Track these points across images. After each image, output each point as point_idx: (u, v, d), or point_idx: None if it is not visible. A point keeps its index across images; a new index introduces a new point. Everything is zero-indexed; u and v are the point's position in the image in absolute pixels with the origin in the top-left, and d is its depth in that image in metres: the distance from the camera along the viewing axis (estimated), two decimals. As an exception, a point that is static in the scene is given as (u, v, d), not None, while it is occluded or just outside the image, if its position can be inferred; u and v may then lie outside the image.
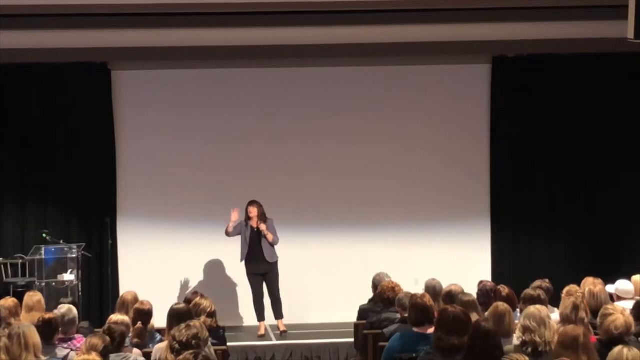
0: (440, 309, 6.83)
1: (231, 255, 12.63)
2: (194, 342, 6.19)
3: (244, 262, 11.79)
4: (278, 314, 11.85)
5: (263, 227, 11.61)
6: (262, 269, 11.73)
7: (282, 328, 11.82)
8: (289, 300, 12.14)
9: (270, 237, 11.64)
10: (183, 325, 6.34)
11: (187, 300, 8.28)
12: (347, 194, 12.80)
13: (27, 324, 6.92)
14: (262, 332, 11.85)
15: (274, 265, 11.77)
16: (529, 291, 8.08)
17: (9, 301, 8.57)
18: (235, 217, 11.72)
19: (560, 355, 5.90)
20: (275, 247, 11.76)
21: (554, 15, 12.12)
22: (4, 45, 11.48)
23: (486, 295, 8.63)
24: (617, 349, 5.63)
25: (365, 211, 12.79)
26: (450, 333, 6.10)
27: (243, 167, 12.81)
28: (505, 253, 12.93)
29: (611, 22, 11.30)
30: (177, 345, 6.18)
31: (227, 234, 11.77)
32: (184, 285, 12.53)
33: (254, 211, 11.65)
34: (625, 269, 10.23)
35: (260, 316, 11.88)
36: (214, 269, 12.66)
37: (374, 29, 12.22)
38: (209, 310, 7.94)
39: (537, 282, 8.67)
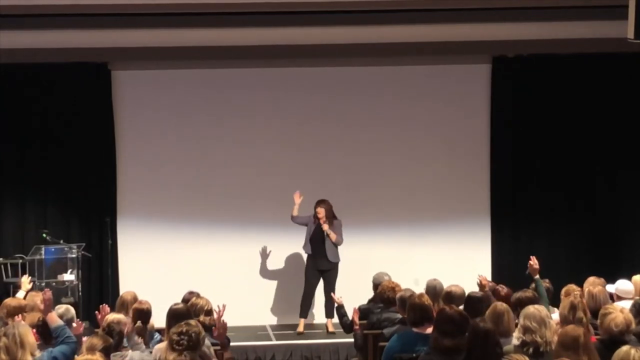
0: (438, 309, 6.83)
1: (231, 255, 12.65)
2: (191, 341, 6.19)
3: (306, 256, 12.04)
4: (329, 313, 11.85)
5: (326, 227, 11.78)
6: (323, 266, 11.89)
7: (331, 328, 11.82)
8: (289, 301, 12.15)
9: (333, 237, 11.81)
10: (180, 325, 6.35)
11: (185, 300, 8.28)
12: (347, 194, 12.78)
13: (21, 324, 6.93)
14: (301, 329, 11.88)
15: (335, 265, 11.93)
16: (518, 295, 8.04)
17: (14, 301, 8.53)
18: (297, 199, 11.92)
19: (561, 356, 5.90)
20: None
21: (554, 15, 12.12)
22: (4, 45, 11.48)
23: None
24: (624, 348, 5.62)
25: (365, 211, 12.78)
26: (445, 334, 6.10)
27: (243, 167, 12.81)
28: (505, 253, 12.93)
29: (611, 22, 11.30)
30: (175, 345, 6.19)
31: (292, 218, 11.98)
32: (184, 285, 12.49)
33: (321, 212, 11.82)
34: (625, 269, 10.22)
35: (304, 312, 11.97)
36: (214, 268, 12.64)
37: (374, 29, 12.23)
38: (206, 308, 7.93)
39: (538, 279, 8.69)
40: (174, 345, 6.21)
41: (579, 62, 12.87)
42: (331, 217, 11.90)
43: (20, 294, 8.93)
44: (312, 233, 11.89)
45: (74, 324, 7.66)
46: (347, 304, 9.63)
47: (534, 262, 8.77)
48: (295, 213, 11.97)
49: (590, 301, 7.91)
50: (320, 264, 11.90)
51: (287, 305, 12.23)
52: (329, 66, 12.94)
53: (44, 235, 11.96)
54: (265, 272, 12.86)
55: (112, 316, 7.61)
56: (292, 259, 12.61)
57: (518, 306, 7.57)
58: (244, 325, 12.37)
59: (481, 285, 8.94)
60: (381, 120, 12.95)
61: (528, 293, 8.06)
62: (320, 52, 12.48)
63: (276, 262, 12.77)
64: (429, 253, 12.74)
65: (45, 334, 7.20)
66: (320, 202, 11.90)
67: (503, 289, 8.48)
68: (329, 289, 11.84)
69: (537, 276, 8.63)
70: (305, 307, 12.00)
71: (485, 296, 8.19)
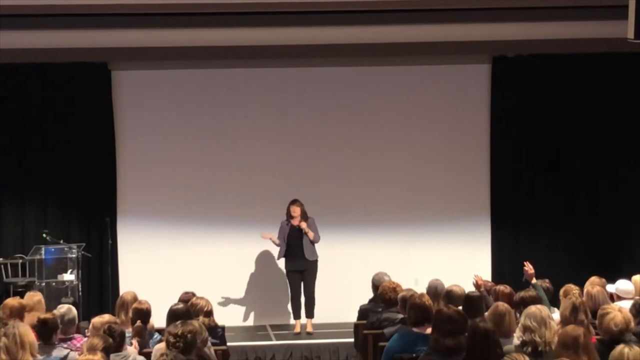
0: (436, 309, 6.83)
1: (230, 255, 12.65)
2: (186, 342, 6.18)
3: (283, 259, 12.05)
4: (309, 313, 11.92)
5: (304, 225, 11.79)
6: (301, 266, 11.89)
7: (309, 329, 11.87)
8: (289, 301, 12.13)
9: (311, 234, 11.82)
10: (176, 325, 6.33)
11: (183, 301, 8.27)
12: (347, 194, 12.80)
13: (21, 324, 6.91)
14: (297, 330, 11.91)
15: (313, 263, 11.92)
16: (521, 294, 8.03)
17: (15, 301, 8.51)
18: (267, 236, 11.97)
19: (561, 355, 5.90)
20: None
21: (554, 15, 12.13)
22: (4, 45, 11.48)
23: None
24: (618, 348, 5.63)
25: (365, 211, 12.79)
26: (445, 334, 6.10)
27: (243, 167, 12.82)
28: (505, 253, 12.92)
29: (611, 22, 11.30)
30: (171, 347, 6.17)
31: (280, 251, 12.03)
32: (184, 285, 12.49)
33: (297, 210, 11.85)
34: (625, 269, 10.23)
35: (296, 314, 12.00)
36: (214, 268, 12.64)
37: (374, 29, 12.23)
38: (205, 309, 7.93)
39: (537, 282, 8.68)
40: (169, 347, 6.20)
41: (579, 62, 12.88)
42: (305, 216, 11.90)
43: None
44: (288, 235, 11.88)
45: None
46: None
47: (528, 267, 8.77)
48: (277, 243, 11.96)
49: (589, 301, 7.91)
50: (297, 265, 11.90)
51: (288, 305, 12.21)
52: (329, 66, 12.93)
53: (44, 235, 11.96)
54: (265, 272, 12.84)
55: (98, 318, 7.54)
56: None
57: (521, 305, 7.59)
58: (244, 325, 12.40)
59: (477, 285, 8.94)
60: (381, 120, 12.94)
61: (531, 292, 8.06)
62: (321, 52, 12.48)
63: (276, 262, 12.75)
64: (429, 253, 12.74)
65: (45, 334, 7.20)
66: (294, 202, 11.91)
67: (506, 289, 8.46)
68: (308, 288, 11.89)
69: (534, 280, 8.61)
70: (296, 309, 12.01)
71: (482, 296, 8.21)
